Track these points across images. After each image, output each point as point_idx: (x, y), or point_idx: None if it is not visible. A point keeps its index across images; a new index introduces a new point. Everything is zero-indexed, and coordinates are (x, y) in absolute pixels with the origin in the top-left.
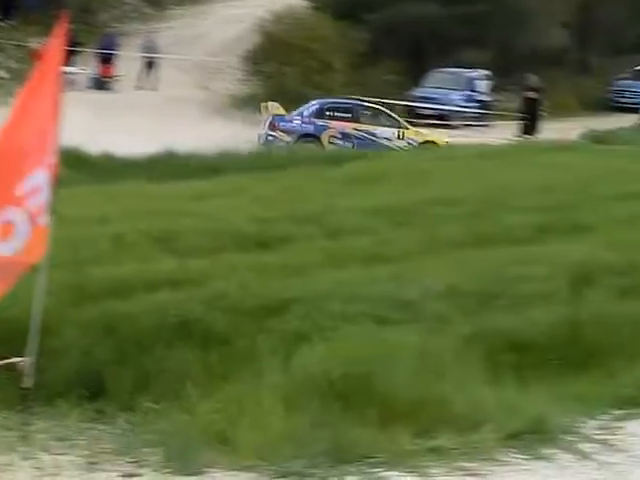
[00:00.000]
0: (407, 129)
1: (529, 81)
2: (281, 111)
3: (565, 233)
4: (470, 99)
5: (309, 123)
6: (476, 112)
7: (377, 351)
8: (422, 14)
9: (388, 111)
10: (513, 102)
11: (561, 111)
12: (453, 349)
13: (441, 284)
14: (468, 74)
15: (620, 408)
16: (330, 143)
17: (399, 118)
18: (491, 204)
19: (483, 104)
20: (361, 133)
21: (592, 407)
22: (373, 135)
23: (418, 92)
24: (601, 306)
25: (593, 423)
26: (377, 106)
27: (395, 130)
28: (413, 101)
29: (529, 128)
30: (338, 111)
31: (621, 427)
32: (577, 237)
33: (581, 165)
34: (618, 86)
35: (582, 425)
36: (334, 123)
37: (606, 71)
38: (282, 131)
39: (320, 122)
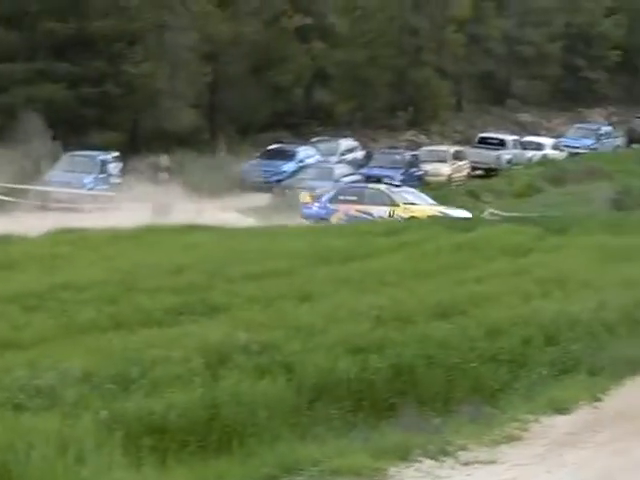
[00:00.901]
0: (397, 206)
1: (161, 162)
2: (307, 199)
3: (200, 314)
4: (101, 181)
5: (324, 208)
6: (107, 194)
7: (14, 438)
8: (50, 96)
9: (388, 192)
10: (145, 183)
11: (196, 192)
12: (92, 434)
13: (78, 369)
14: (99, 157)
15: None
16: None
17: (394, 197)
18: (125, 287)
19: (113, 186)
20: (362, 214)
21: None
22: (371, 214)
23: (52, 176)
24: (237, 386)
25: None
26: (380, 187)
27: (388, 208)
28: (47, 185)
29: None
30: (347, 194)
31: None
32: (212, 318)
33: (213, 246)
34: (252, 165)
35: None
36: (342, 207)
37: (238, 151)
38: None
39: (332, 206)
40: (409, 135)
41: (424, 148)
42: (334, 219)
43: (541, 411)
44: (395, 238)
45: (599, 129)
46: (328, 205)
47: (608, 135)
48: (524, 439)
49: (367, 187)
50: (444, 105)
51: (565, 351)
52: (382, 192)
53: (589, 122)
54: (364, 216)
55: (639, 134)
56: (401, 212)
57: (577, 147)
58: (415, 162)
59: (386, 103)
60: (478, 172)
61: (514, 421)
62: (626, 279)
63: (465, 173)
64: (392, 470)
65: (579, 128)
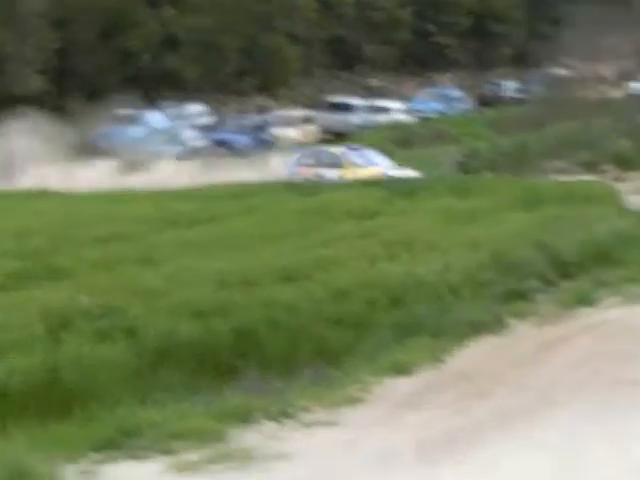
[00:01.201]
0: (346, 169)
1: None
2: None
3: (44, 279)
4: None
5: (290, 170)
6: None
7: None
8: None
9: (340, 155)
10: None
11: (45, 156)
12: None
13: None
14: None
15: (101, 451)
16: None
17: (343, 160)
18: None
19: None
20: (316, 177)
21: (74, 451)
22: (322, 177)
23: None
24: (78, 350)
25: (74, 468)
26: (334, 150)
27: (338, 171)
28: None
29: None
30: (308, 158)
31: (101, 470)
32: (55, 282)
33: (59, 210)
34: (101, 130)
35: (63, 470)
36: (302, 170)
37: (87, 116)
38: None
39: (295, 169)
40: (259, 100)
41: (273, 113)
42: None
43: (384, 373)
44: (243, 202)
45: (449, 93)
46: (292, 168)
47: (457, 99)
48: (366, 401)
49: (323, 150)
50: (294, 70)
51: (410, 313)
52: (334, 155)
53: (439, 86)
54: (318, 179)
55: (488, 98)
56: (349, 175)
57: (427, 111)
58: (264, 127)
59: (236, 68)
60: (328, 136)
61: (356, 383)
62: (470, 241)
63: (314, 137)
64: (233, 432)
65: (429, 92)
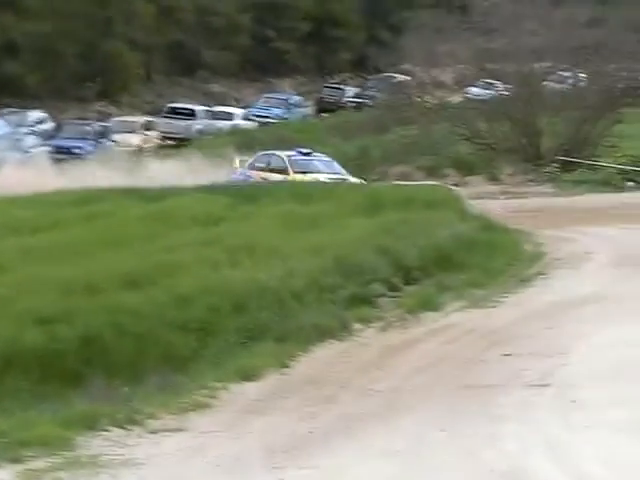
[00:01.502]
0: (288, 175)
1: None
2: (236, 165)
3: None
4: None
5: (243, 174)
6: None
7: None
8: None
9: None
10: None
11: None
12: None
13: None
14: None
15: None
16: None
17: (288, 166)
18: None
19: None
20: (264, 180)
21: None
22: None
23: None
24: None
25: None
26: (281, 155)
27: (283, 176)
28: None
29: None
30: (260, 162)
31: None
32: None
33: None
34: None
35: None
36: (254, 173)
37: None
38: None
39: (248, 173)
40: (99, 106)
41: (114, 119)
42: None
43: (229, 379)
44: (85, 208)
45: (289, 99)
46: (246, 172)
47: (298, 105)
48: (213, 407)
49: (273, 154)
50: (134, 76)
51: (253, 319)
52: (282, 160)
53: (279, 92)
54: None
55: (328, 104)
56: (291, 179)
57: (267, 117)
58: (105, 133)
59: (76, 74)
60: (169, 142)
61: (203, 389)
62: (313, 246)
63: (155, 143)
64: (80, 439)
65: (269, 98)
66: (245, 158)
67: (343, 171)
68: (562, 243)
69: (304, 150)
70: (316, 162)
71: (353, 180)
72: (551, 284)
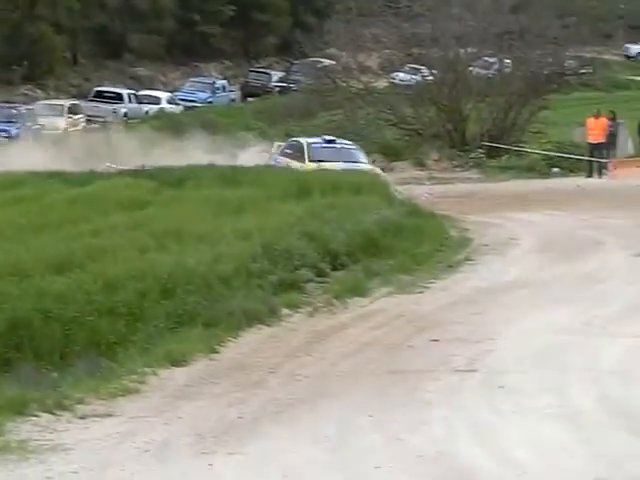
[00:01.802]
0: (303, 162)
1: None
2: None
3: None
4: None
5: (275, 160)
6: None
7: None
8: None
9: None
10: None
11: None
12: None
13: None
14: None
15: None
16: None
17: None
18: None
19: None
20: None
21: None
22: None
23: None
24: None
25: None
26: (302, 142)
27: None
28: None
29: None
30: (288, 148)
31: None
32: None
33: None
34: None
35: None
36: (282, 159)
37: None
38: None
39: (278, 159)
40: (25, 89)
41: (40, 102)
42: None
43: (158, 364)
44: (11, 192)
45: (214, 83)
46: (277, 157)
47: (223, 89)
48: (141, 392)
49: (297, 141)
50: (60, 59)
51: (182, 304)
52: (302, 146)
53: (205, 76)
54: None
55: (254, 88)
56: (308, 168)
57: (193, 100)
58: (30, 116)
59: (1, 57)
60: (95, 125)
61: (132, 374)
62: (240, 231)
63: (81, 126)
64: (9, 425)
65: (194, 82)
66: (281, 143)
67: (364, 160)
68: (488, 229)
69: (327, 137)
70: (337, 150)
71: (369, 168)
72: (478, 270)
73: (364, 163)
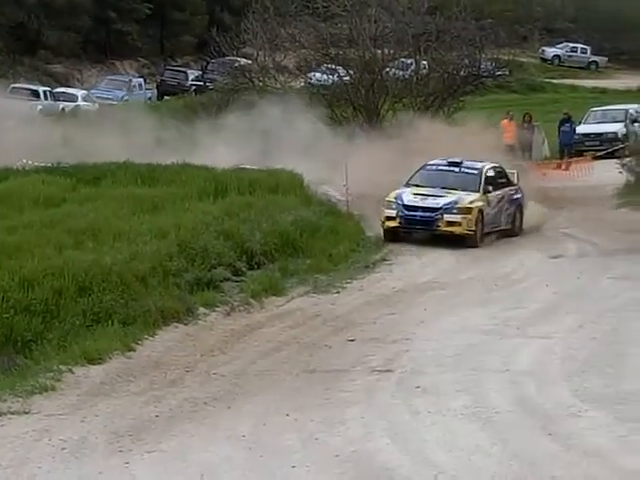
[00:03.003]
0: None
1: None
2: None
3: None
4: None
5: None
6: None
7: None
8: None
9: None
10: None
11: None
12: None
13: None
14: None
15: None
16: None
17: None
18: None
19: None
20: None
21: None
22: None
23: None
24: None
25: None
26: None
27: None
28: None
29: None
30: None
31: None
32: None
33: None
34: None
35: None
36: None
37: None
38: None
39: None
40: None
41: None
42: None
43: (74, 361)
44: None
45: (130, 81)
46: None
47: (140, 87)
48: (58, 389)
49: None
50: None
51: (98, 301)
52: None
53: (121, 74)
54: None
55: (171, 86)
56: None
57: (109, 98)
58: None
59: None
60: (10, 122)
61: (48, 372)
62: (157, 229)
63: None
64: None
65: (111, 80)
66: None
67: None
68: None
69: (454, 159)
70: (451, 176)
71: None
72: (394, 270)
73: (469, 195)
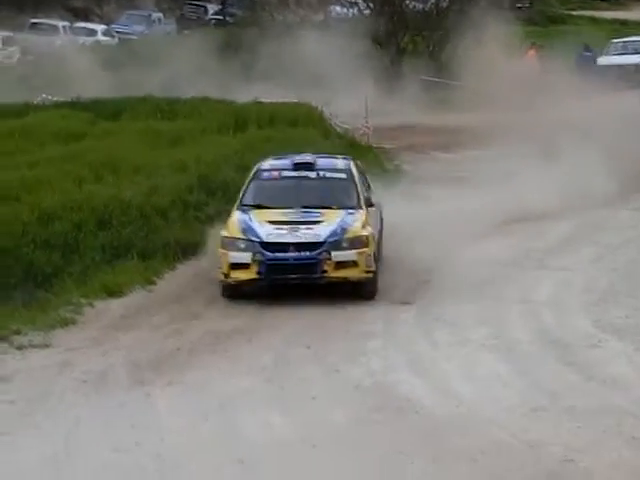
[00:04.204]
0: None
1: None
2: None
3: None
4: None
5: None
6: None
7: None
8: None
9: None
10: None
11: None
12: None
13: None
14: None
15: None
16: None
17: None
18: None
19: None
20: None
21: None
22: None
23: None
24: None
25: None
26: None
27: None
28: None
29: None
30: None
31: None
32: None
33: None
34: None
35: None
36: None
37: None
38: None
39: None
40: None
41: None
42: None
43: (95, 295)
44: None
45: (150, 15)
46: None
47: (159, 21)
48: (79, 323)
49: None
50: None
51: (117, 235)
52: None
53: (140, 9)
54: None
55: (190, 21)
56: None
57: (129, 33)
58: None
59: None
60: (30, 57)
61: (68, 305)
62: (177, 163)
63: (15, 58)
64: None
65: (130, 14)
66: None
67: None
68: (421, 162)
69: (302, 159)
70: (308, 186)
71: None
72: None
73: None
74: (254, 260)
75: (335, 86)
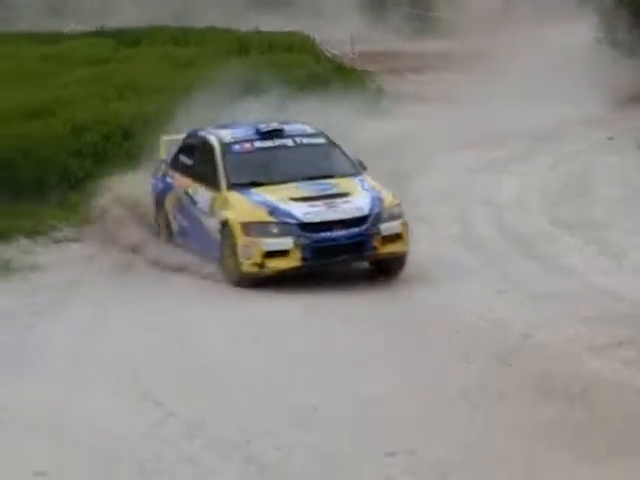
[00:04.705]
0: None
1: None
2: None
3: None
4: None
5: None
6: None
7: None
8: None
9: None
10: None
11: None
12: None
13: None
14: None
15: None
16: None
17: None
18: None
19: None
20: None
21: None
22: None
23: None
24: None
25: None
26: None
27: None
28: None
29: None
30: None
31: None
32: None
33: None
34: None
35: None
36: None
37: None
38: None
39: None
40: None
41: None
42: None
43: None
44: None
45: None
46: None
47: None
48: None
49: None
50: None
51: (139, 146)
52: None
53: None
54: None
55: None
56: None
57: None
58: None
59: None
60: None
61: (97, 206)
62: (191, 83)
63: None
64: None
65: None
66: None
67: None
68: (402, 84)
69: (268, 126)
70: (295, 156)
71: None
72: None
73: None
74: (297, 245)
75: (327, 16)
